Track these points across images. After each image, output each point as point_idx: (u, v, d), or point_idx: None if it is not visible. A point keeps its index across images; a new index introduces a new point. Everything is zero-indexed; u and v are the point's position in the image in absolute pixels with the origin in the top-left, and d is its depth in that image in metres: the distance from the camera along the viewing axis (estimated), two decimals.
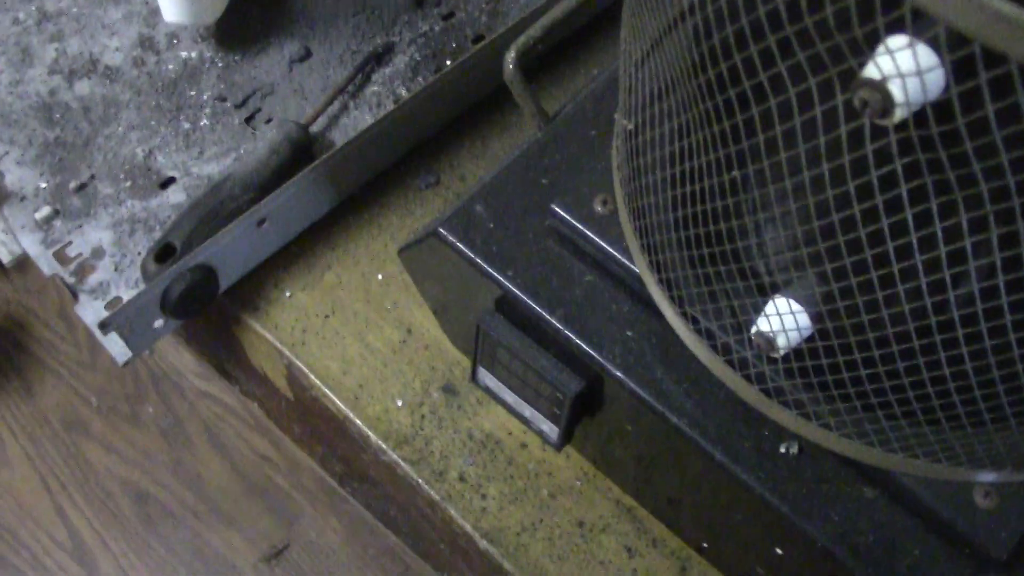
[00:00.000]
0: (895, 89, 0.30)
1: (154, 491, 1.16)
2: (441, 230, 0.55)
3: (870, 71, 0.30)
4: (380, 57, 0.78)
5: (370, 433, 0.64)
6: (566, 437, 0.57)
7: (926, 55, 0.29)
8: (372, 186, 0.73)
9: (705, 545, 0.59)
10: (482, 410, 0.65)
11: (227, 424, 1.20)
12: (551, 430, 0.57)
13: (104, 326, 0.61)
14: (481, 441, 0.64)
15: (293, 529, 1.13)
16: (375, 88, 0.77)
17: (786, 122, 0.35)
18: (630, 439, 0.55)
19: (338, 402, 0.65)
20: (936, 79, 0.30)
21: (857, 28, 0.30)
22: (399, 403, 0.65)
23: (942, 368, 0.38)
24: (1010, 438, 0.43)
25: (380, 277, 0.70)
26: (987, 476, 0.46)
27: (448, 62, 0.78)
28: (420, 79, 0.77)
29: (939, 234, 0.34)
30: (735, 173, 0.40)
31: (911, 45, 0.29)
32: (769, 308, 0.42)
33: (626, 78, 0.48)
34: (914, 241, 0.34)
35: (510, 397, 0.57)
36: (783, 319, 0.42)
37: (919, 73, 0.29)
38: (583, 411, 0.55)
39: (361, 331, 0.68)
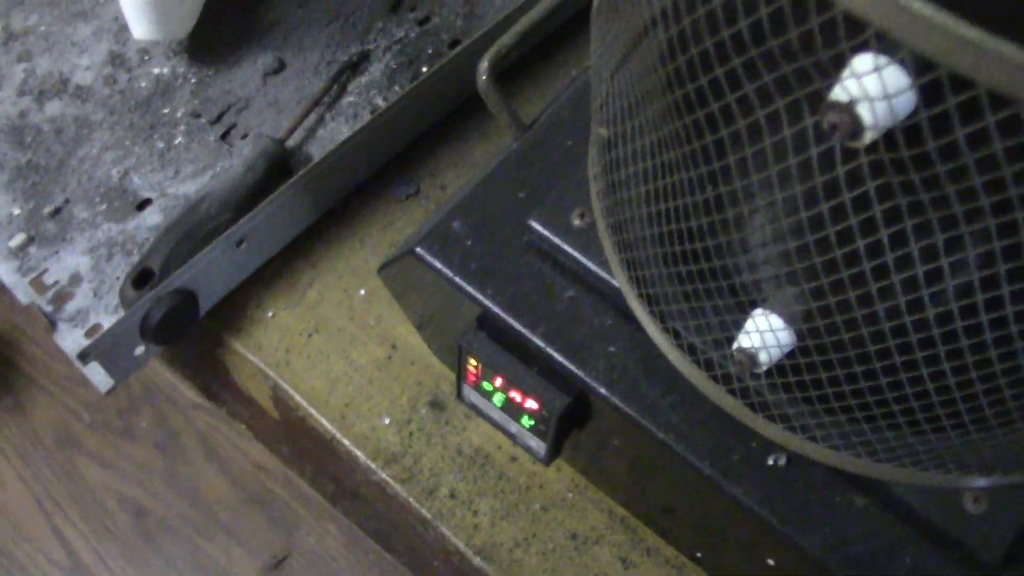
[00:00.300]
0: (864, 112, 0.29)
1: (151, 505, 1.15)
2: (418, 249, 0.54)
3: (837, 93, 0.29)
4: (356, 66, 0.77)
5: (358, 452, 0.64)
6: (554, 453, 0.56)
7: (894, 76, 0.29)
8: (351, 199, 0.72)
9: (699, 555, 0.58)
10: (471, 424, 0.64)
11: (222, 435, 1.20)
12: (539, 446, 0.56)
13: (84, 356, 0.61)
14: (471, 456, 0.63)
15: (293, 538, 1.13)
16: (351, 98, 0.76)
17: (756, 143, 0.34)
18: (619, 453, 0.55)
19: (324, 422, 0.65)
20: (905, 101, 0.29)
21: (821, 51, 0.29)
22: (386, 420, 0.64)
23: (924, 382, 0.38)
24: (996, 444, 0.43)
25: (362, 292, 0.69)
26: (976, 481, 0.45)
27: (425, 68, 0.77)
28: (397, 87, 0.76)
29: (915, 254, 0.33)
30: (710, 192, 0.39)
31: (877, 68, 0.28)
32: (749, 325, 0.42)
33: (597, 92, 0.47)
34: (890, 261, 0.34)
35: (496, 414, 0.57)
36: (764, 336, 0.41)
37: (887, 97, 0.29)
38: (570, 427, 0.55)
39: (345, 348, 0.67)
